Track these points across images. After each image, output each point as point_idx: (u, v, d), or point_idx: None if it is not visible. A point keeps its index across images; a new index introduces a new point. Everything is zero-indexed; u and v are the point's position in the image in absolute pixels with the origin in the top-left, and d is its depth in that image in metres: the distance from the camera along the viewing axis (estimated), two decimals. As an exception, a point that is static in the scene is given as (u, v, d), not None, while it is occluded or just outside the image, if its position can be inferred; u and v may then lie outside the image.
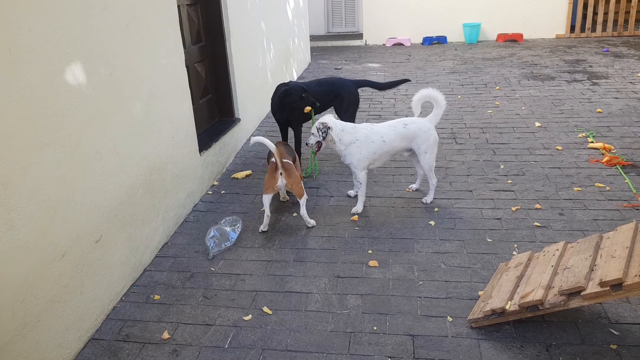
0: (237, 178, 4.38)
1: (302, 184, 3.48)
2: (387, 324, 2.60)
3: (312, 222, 3.53)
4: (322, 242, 3.37)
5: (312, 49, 10.17)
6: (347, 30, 12.04)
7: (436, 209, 3.72)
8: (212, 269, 3.13)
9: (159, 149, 3.33)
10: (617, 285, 2.11)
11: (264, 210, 3.46)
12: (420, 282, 2.91)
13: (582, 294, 2.20)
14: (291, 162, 3.52)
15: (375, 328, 2.56)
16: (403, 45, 10.52)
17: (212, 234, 3.32)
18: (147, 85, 3.19)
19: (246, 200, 4.01)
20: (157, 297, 2.89)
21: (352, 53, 9.96)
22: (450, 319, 2.61)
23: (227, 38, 4.75)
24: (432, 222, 3.54)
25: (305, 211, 3.48)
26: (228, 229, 3.39)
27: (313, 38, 11.22)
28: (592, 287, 2.18)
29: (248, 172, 4.47)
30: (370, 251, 3.24)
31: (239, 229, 3.46)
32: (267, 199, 3.42)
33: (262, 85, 5.97)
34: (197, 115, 4.17)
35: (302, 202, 3.45)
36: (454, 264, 3.07)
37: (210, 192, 4.18)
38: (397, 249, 3.26)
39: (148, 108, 3.19)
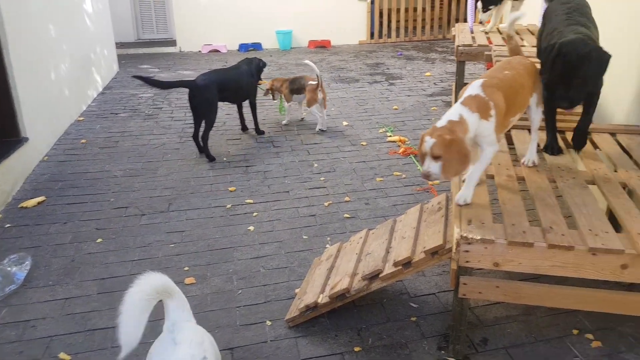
0: (27, 207, 3.77)
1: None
2: (206, 341, 2.47)
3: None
4: (132, 266, 3.08)
5: (121, 57, 9.43)
6: (159, 37, 11.47)
7: (255, 214, 3.71)
8: None
9: None
10: (407, 264, 2.32)
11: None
12: (240, 291, 2.85)
13: (380, 275, 2.37)
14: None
15: (192, 348, 2.41)
16: (219, 51, 10.43)
17: None
18: None
19: (38, 231, 3.47)
20: None
21: (166, 60, 9.52)
22: (269, 323, 2.59)
23: (4, 45, 4.09)
24: (252, 228, 3.52)
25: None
26: (13, 269, 2.89)
27: (122, 45, 10.42)
28: (388, 269, 2.37)
29: (40, 198, 3.88)
30: (186, 268, 3.07)
31: (27, 268, 2.97)
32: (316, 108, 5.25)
33: (57, 98, 5.29)
34: (-34, 138, 3.49)
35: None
36: (272, 266, 3.08)
37: (-9, 228, 3.53)
38: (216, 260, 3.15)
39: None
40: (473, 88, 2.17)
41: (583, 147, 2.66)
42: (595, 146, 2.85)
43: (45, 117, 4.88)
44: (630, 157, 2.70)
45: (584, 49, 2.26)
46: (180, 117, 5.96)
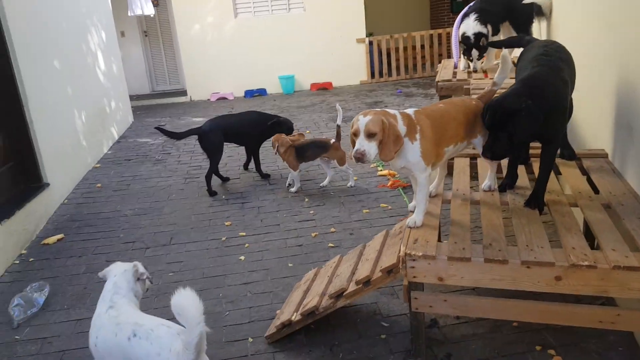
0: (48, 244, 4.25)
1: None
2: (192, 358, 2.73)
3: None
4: (133, 294, 3.40)
5: (137, 108, 10.10)
6: (172, 88, 12.19)
7: (247, 245, 4.01)
8: (16, 337, 3.03)
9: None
10: (367, 282, 2.58)
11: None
12: (227, 313, 3.13)
13: (344, 294, 2.63)
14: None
15: (179, 365, 2.67)
16: (227, 99, 11.02)
17: (16, 302, 3.25)
18: None
19: (57, 264, 3.92)
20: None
21: (177, 109, 10.13)
22: (251, 340, 2.85)
23: (25, 104, 4.61)
24: (242, 257, 3.81)
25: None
26: (34, 295, 3.34)
27: (138, 97, 11.13)
28: (351, 287, 2.62)
29: (60, 236, 4.37)
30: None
31: (46, 294, 3.40)
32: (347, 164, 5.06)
33: (74, 147, 5.81)
34: (-6, 185, 3.96)
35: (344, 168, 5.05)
36: (258, 291, 3.35)
37: (17, 262, 3.99)
38: (208, 286, 3.45)
39: None
40: (407, 111, 2.42)
41: (541, 209, 2.58)
42: (557, 171, 3.07)
43: (65, 165, 5.38)
44: (589, 178, 2.88)
45: (512, 106, 2.31)
46: (186, 161, 6.40)
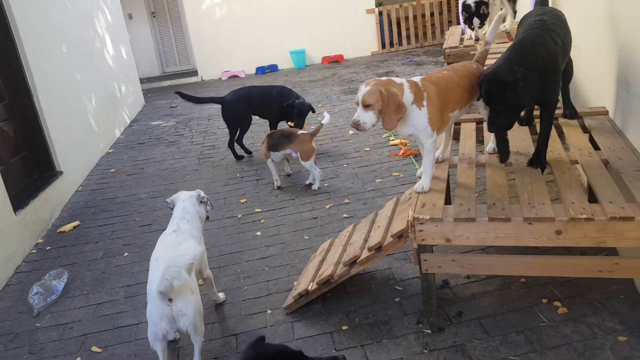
0: (65, 231, 4.33)
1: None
2: (214, 330, 2.85)
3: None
4: (154, 272, 3.53)
5: (148, 91, 10.19)
6: (182, 69, 12.22)
7: (262, 221, 4.09)
8: (37, 324, 3.12)
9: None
10: (379, 248, 2.63)
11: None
12: (245, 287, 3.22)
13: (357, 261, 2.69)
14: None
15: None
16: (238, 76, 11.02)
17: (35, 290, 3.32)
18: None
19: (74, 250, 4.00)
20: (-24, 365, 2.80)
21: (189, 90, 10.11)
22: (270, 312, 2.95)
23: (34, 93, 4.69)
24: (259, 233, 3.90)
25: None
26: (53, 282, 3.40)
27: (148, 80, 11.21)
28: (364, 254, 2.68)
29: (76, 223, 4.44)
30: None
31: (65, 280, 3.48)
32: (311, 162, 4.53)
33: (86, 134, 5.92)
34: (10, 175, 4.06)
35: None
36: (275, 265, 3.44)
37: (35, 251, 4.09)
38: (226, 263, 3.54)
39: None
40: (414, 79, 2.46)
41: (544, 168, 2.60)
42: (560, 130, 3.08)
43: (77, 152, 5.48)
44: (591, 136, 2.91)
45: (506, 78, 2.30)
46: (199, 142, 6.47)
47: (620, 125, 2.94)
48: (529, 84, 2.29)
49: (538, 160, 2.59)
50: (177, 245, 2.57)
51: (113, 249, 3.94)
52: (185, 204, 2.84)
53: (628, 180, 2.31)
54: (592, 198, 2.42)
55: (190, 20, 10.94)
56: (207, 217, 3.00)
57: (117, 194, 5.05)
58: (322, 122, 4.58)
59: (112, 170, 5.78)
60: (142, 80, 9.54)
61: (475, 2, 4.64)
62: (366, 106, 2.26)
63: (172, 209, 2.87)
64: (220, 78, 11.16)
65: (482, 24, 4.72)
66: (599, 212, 2.12)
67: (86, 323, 3.07)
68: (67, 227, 4.37)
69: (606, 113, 3.12)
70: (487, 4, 4.63)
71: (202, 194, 2.93)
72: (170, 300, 2.30)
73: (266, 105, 5.46)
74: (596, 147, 2.75)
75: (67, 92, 5.60)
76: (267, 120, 5.76)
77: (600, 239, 2.12)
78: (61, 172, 4.89)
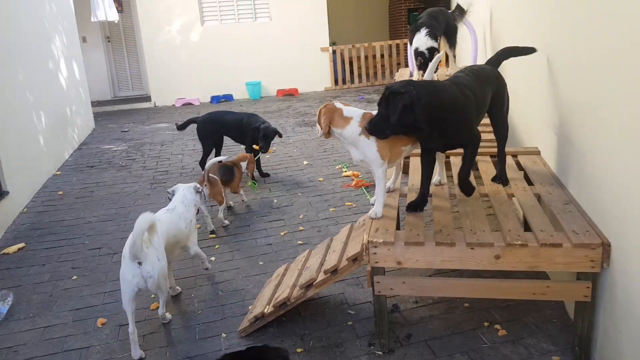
0: (9, 253, 4.17)
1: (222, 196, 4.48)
2: (167, 354, 2.83)
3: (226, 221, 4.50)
4: (105, 297, 3.46)
5: (99, 114, 10.00)
6: (135, 94, 12.11)
7: (217, 246, 4.12)
8: None
9: None
10: (335, 271, 2.75)
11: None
12: (200, 311, 3.23)
13: (314, 283, 2.79)
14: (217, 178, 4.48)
15: (155, 361, 2.77)
16: (192, 104, 11.04)
17: None
18: None
19: (19, 273, 3.85)
20: None
21: (141, 115, 10.09)
22: (225, 335, 2.97)
23: (-17, 111, 4.57)
24: (213, 258, 3.91)
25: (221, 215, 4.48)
26: None
27: (99, 103, 11.02)
28: (320, 277, 2.79)
29: (21, 245, 4.29)
30: (153, 295, 3.44)
31: (10, 303, 3.35)
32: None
33: (34, 154, 5.75)
34: (-48, 193, 3.90)
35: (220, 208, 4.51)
36: (230, 289, 3.47)
37: (-24, 274, 3.89)
38: (181, 287, 3.53)
39: None
40: (373, 112, 2.67)
41: (470, 193, 2.80)
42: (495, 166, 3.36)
43: (25, 172, 5.31)
44: (525, 173, 3.22)
45: (395, 88, 2.52)
46: (152, 167, 6.43)
47: (550, 163, 3.26)
48: (405, 102, 2.45)
49: (462, 185, 2.82)
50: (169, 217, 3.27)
51: (61, 272, 3.83)
52: (185, 192, 3.46)
53: (557, 212, 2.57)
54: (527, 227, 2.67)
55: (147, 46, 10.95)
56: (198, 211, 3.63)
57: (64, 217, 4.91)
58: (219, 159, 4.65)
59: (60, 192, 5.62)
60: (92, 104, 9.39)
61: (427, 49, 4.83)
62: (317, 121, 2.72)
63: (170, 200, 3.48)
64: (174, 105, 11.13)
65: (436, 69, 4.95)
66: (532, 239, 2.35)
67: (32, 346, 2.96)
68: (12, 249, 4.21)
69: (538, 153, 3.46)
70: (438, 50, 4.90)
71: (198, 186, 3.59)
72: (139, 263, 2.77)
73: (239, 130, 5.69)
74: (530, 183, 3.04)
75: (18, 111, 5.47)
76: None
77: (533, 264, 2.35)
78: (7, 192, 4.72)
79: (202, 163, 5.67)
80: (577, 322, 2.45)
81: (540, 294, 2.42)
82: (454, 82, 2.69)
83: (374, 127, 2.59)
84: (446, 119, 2.56)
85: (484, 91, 2.79)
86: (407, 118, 2.49)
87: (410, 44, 5.21)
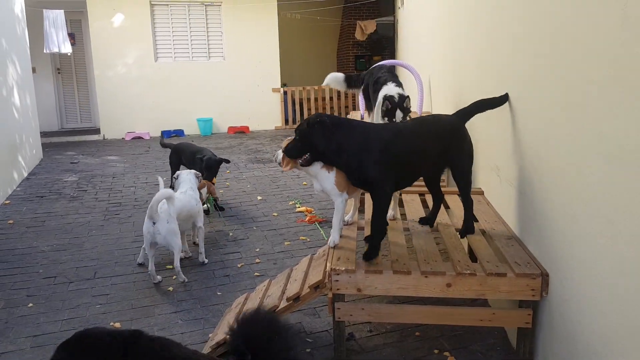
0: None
1: None
2: (129, 380, 2.86)
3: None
4: (62, 324, 3.42)
5: (46, 145, 9.73)
6: (83, 126, 11.88)
7: (174, 277, 4.17)
8: None
9: None
10: (297, 298, 2.94)
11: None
12: (159, 340, 3.27)
13: (276, 310, 2.95)
14: None
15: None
16: (143, 138, 10.98)
17: None
18: None
19: (-33, 302, 3.72)
20: None
21: (90, 147, 9.92)
22: (186, 362, 3.03)
23: None
24: (171, 288, 3.97)
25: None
26: None
27: (46, 134, 10.72)
28: (283, 304, 2.96)
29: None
30: (111, 323, 3.45)
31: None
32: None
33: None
34: None
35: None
36: (189, 318, 3.54)
37: None
38: (138, 316, 3.56)
39: None
40: None
41: (382, 236, 2.89)
42: (446, 206, 3.70)
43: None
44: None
45: (311, 118, 2.82)
46: (104, 198, 6.37)
47: (493, 202, 3.63)
48: (313, 132, 2.74)
49: (373, 228, 2.87)
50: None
51: (15, 299, 3.74)
52: (191, 177, 4.54)
53: (500, 245, 2.89)
54: (474, 259, 2.98)
55: (98, 79, 10.88)
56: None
57: (16, 245, 4.78)
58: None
59: (10, 221, 5.45)
60: (40, 134, 9.15)
61: (398, 94, 4.60)
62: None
63: (176, 180, 4.58)
64: (123, 138, 11.03)
65: (405, 117, 4.52)
66: (480, 269, 2.64)
67: (-17, 378, 2.90)
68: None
69: (482, 193, 3.84)
70: (409, 98, 4.62)
71: (198, 173, 4.70)
72: (154, 223, 3.86)
73: (193, 160, 5.89)
74: (475, 220, 3.36)
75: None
76: None
77: (480, 291, 2.63)
78: (-47, 219, 4.55)
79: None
80: (519, 349, 2.74)
81: (487, 320, 2.71)
82: (384, 125, 2.96)
83: (288, 150, 2.88)
84: (358, 155, 2.72)
85: (425, 139, 2.86)
86: (317, 141, 2.76)
87: (362, 93, 5.47)
